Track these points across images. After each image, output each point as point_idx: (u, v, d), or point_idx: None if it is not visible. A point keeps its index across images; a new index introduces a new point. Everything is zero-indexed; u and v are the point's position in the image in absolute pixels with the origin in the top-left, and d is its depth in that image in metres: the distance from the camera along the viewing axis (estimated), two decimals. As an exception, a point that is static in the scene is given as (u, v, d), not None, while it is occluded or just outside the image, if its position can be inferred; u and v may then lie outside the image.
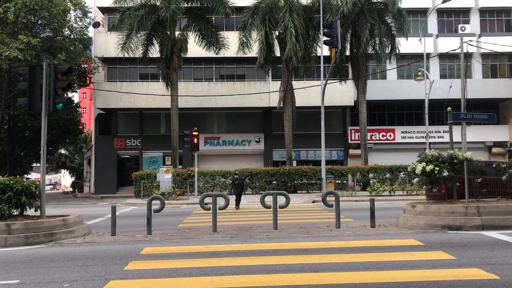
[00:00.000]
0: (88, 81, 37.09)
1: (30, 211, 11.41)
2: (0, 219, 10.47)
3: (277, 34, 29.83)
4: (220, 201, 12.10)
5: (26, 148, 41.27)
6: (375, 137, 36.58)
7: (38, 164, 41.99)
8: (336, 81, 31.58)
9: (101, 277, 6.88)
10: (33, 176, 50.51)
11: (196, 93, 33.65)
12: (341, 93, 34.23)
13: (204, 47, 30.74)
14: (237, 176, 20.02)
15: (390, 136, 36.85)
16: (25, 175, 41.15)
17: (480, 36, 36.52)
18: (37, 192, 11.16)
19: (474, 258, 7.61)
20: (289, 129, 29.92)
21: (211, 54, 31.57)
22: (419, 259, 7.67)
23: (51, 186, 76.98)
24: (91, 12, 36.16)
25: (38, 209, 11.35)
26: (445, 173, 11.53)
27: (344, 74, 32.73)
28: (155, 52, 30.56)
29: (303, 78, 32.29)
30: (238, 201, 18.89)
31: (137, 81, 35.73)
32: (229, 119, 37.81)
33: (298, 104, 31.12)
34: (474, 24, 37.53)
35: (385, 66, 33.51)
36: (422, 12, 36.96)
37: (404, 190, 25.84)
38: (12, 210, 10.96)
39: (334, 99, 33.60)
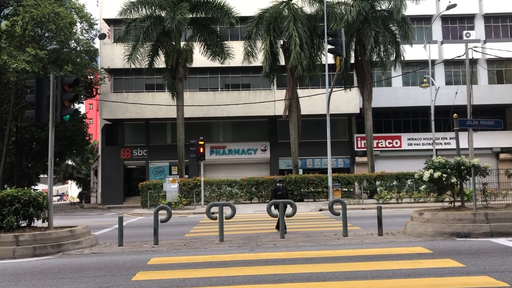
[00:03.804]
0: (94, 92, 37.36)
1: (38, 222, 11.46)
2: (8, 230, 10.53)
3: (282, 43, 29.94)
4: (227, 211, 12.09)
5: (34, 160, 41.54)
6: (382, 145, 36.48)
7: (46, 175, 42.19)
8: (341, 89, 31.59)
9: (109, 288, 6.89)
10: (41, 187, 50.70)
11: (201, 103, 33.78)
12: (347, 100, 34.22)
13: (209, 57, 30.93)
14: (280, 185, 14.35)
15: (396, 143, 36.73)
16: (33, 187, 41.35)
17: (485, 42, 36.48)
18: (44, 203, 11.21)
19: (483, 265, 7.55)
20: (295, 138, 29.91)
21: (216, 64, 31.74)
22: (428, 267, 7.61)
23: (58, 197, 77.20)
24: (97, 24, 36.49)
25: (46, 220, 11.40)
26: (453, 180, 11.47)
27: (349, 81, 32.75)
28: (160, 62, 30.76)
29: (308, 86, 32.35)
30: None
31: (143, 92, 35.94)
32: (234, 128, 37.87)
33: (303, 112, 31.15)
34: (478, 30, 37.50)
35: (390, 73, 33.50)
36: (427, 19, 37.01)
37: (412, 198, 25.71)
38: (20, 222, 11.02)
39: (339, 107, 33.59)
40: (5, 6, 33.28)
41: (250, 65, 30.56)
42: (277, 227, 12.87)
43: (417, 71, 35.22)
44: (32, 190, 11.82)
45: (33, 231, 10.78)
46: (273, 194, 13.95)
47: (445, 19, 37.27)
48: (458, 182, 11.83)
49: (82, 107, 56.73)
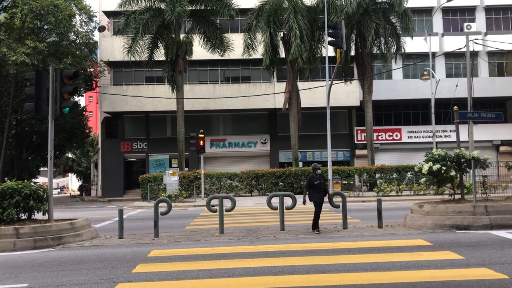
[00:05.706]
0: (94, 85, 37.28)
1: (38, 215, 11.48)
2: (8, 223, 10.55)
3: (282, 35, 29.82)
4: (227, 203, 12.11)
5: (34, 153, 41.56)
6: (382, 137, 36.46)
7: (46, 168, 42.20)
8: (341, 81, 31.52)
9: (109, 280, 6.91)
10: (41, 180, 50.70)
11: (201, 96, 33.72)
12: (347, 93, 34.15)
13: (209, 50, 30.81)
14: (318, 172, 11.56)
15: (396, 136, 36.70)
16: (33, 179, 41.40)
17: (486, 34, 36.33)
18: (44, 196, 11.22)
19: (483, 257, 7.57)
20: (295, 130, 29.89)
21: (216, 56, 31.64)
22: (427, 259, 7.64)
23: (59, 190, 77.27)
24: (96, 17, 36.34)
25: (46, 213, 11.42)
26: (452, 173, 11.46)
27: (349, 74, 32.65)
28: (160, 55, 30.67)
29: (309, 79, 32.28)
30: (316, 216, 11.29)
31: (143, 85, 35.86)
32: (234, 121, 37.84)
33: (303, 105, 31.10)
34: (479, 22, 37.32)
35: (391, 65, 33.39)
36: (427, 11, 36.83)
37: (411, 190, 25.74)
38: (21, 214, 11.03)
39: (339, 99, 33.53)
40: (4, -1, 33.13)
41: (250, 57, 30.48)
42: (313, 227, 11.27)
43: (418, 64, 35.10)
44: (32, 183, 11.83)
45: (33, 223, 10.79)
46: (309, 183, 11.45)
47: (446, 11, 37.09)
48: (458, 175, 11.82)
49: (81, 100, 56.71)
